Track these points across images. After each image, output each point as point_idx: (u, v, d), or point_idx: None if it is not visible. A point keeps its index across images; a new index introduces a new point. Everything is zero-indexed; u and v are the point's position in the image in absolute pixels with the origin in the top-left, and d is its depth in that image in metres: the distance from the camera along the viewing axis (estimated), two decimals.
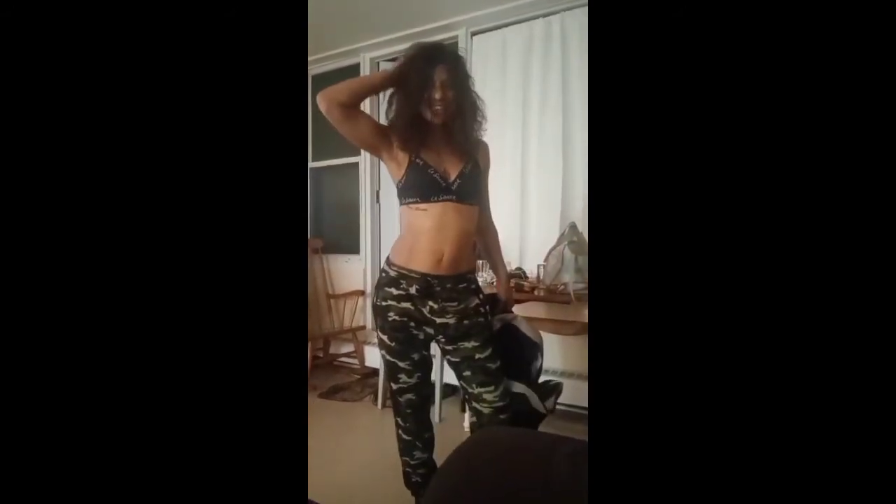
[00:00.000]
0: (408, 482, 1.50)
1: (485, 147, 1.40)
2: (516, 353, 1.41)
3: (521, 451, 0.75)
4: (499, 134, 2.64)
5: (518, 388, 1.37)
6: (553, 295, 2.07)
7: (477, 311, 1.34)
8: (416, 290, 1.29)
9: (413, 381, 1.37)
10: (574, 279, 1.99)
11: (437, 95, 1.22)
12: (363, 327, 3.26)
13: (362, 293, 3.28)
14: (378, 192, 3.30)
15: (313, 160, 3.53)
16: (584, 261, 2.03)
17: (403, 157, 1.28)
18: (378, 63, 3.24)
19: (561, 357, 2.44)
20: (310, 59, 3.32)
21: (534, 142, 2.56)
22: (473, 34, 2.75)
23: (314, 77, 3.52)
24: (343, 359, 3.32)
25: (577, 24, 2.43)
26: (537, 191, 2.56)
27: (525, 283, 2.22)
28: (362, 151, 3.27)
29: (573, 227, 2.14)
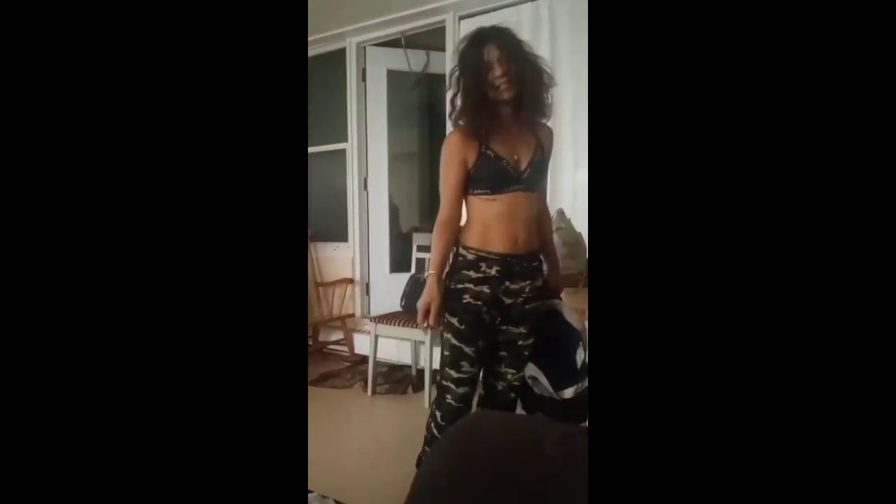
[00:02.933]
0: (419, 466, 1.49)
1: (548, 129, 1.40)
2: (557, 339, 1.43)
3: (512, 435, 0.76)
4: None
5: (531, 370, 1.40)
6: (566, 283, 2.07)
7: (540, 293, 1.38)
8: (497, 272, 1.30)
9: (474, 370, 1.36)
10: (562, 265, 2.00)
11: (498, 72, 1.22)
12: (352, 315, 3.25)
13: (351, 281, 3.27)
14: (366, 180, 3.27)
15: (313, 145, 3.48)
16: (572, 247, 2.03)
17: (472, 147, 1.27)
18: (364, 48, 3.20)
19: None
20: None
21: None
22: (461, 18, 2.72)
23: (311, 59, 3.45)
24: (332, 346, 3.31)
25: (565, 9, 2.41)
26: None
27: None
28: (349, 137, 3.24)
29: (561, 213, 2.14)
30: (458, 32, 2.70)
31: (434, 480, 0.71)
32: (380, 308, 3.07)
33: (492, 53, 1.22)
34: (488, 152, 1.26)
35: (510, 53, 1.23)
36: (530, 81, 1.25)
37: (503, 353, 1.40)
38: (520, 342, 1.38)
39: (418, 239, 2.83)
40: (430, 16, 2.76)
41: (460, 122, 1.29)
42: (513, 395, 1.42)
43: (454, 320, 1.34)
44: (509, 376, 1.41)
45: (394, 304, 2.72)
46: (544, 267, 1.44)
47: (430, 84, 3.35)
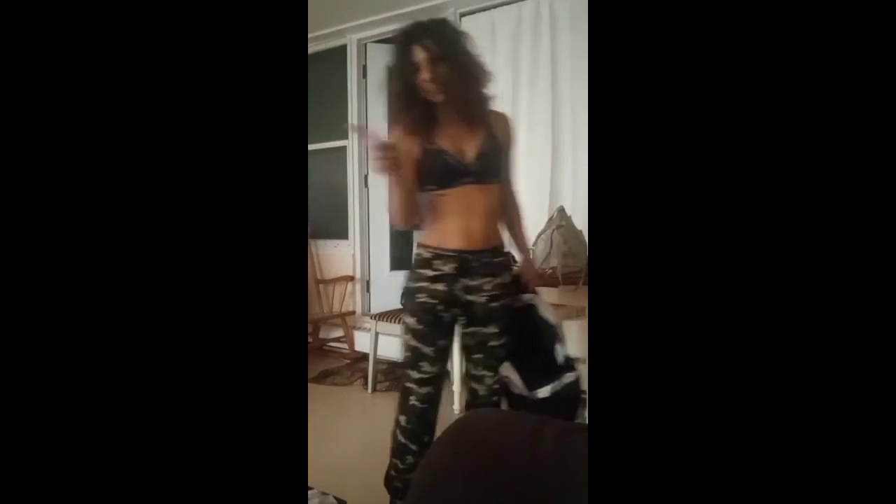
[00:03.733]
0: (388, 483, 1.42)
1: (503, 118, 1.34)
2: (533, 337, 1.38)
3: (509, 433, 0.75)
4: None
5: (505, 369, 1.34)
6: (541, 279, 2.08)
7: (507, 290, 1.33)
8: (453, 269, 1.26)
9: (435, 370, 1.32)
10: (562, 263, 2.00)
11: (425, 76, 1.17)
12: (352, 312, 3.26)
13: (351, 278, 3.28)
14: (367, 177, 3.27)
15: (313, 142, 3.48)
16: (572, 244, 2.03)
17: (414, 142, 1.23)
18: (365, 44, 3.19)
19: None
20: None
21: (523, 125, 2.55)
22: (462, 15, 2.71)
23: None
24: (333, 343, 3.32)
25: (566, 6, 2.40)
26: (526, 174, 2.56)
27: (514, 267, 2.22)
28: (350, 135, 3.24)
29: (561, 210, 2.14)
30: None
31: (433, 477, 0.71)
32: (380, 305, 3.08)
33: (419, 55, 1.17)
34: (431, 147, 1.22)
35: (439, 53, 1.17)
36: (459, 82, 1.19)
37: (477, 356, 1.36)
38: (491, 343, 1.33)
39: (419, 236, 2.83)
40: (430, 13, 2.75)
41: (398, 124, 1.25)
42: (495, 398, 1.36)
43: (411, 320, 1.30)
44: (487, 379, 1.36)
45: (394, 301, 2.71)
46: (515, 261, 1.39)
47: None
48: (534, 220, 2.42)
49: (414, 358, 1.32)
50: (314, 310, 3.26)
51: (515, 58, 2.55)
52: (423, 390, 1.32)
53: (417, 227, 1.35)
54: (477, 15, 2.67)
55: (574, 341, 1.63)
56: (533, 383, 1.32)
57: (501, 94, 2.55)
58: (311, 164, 3.51)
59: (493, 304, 1.30)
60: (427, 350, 1.30)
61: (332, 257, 3.37)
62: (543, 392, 1.31)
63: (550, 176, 2.47)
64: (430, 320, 1.29)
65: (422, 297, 1.28)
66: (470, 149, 1.24)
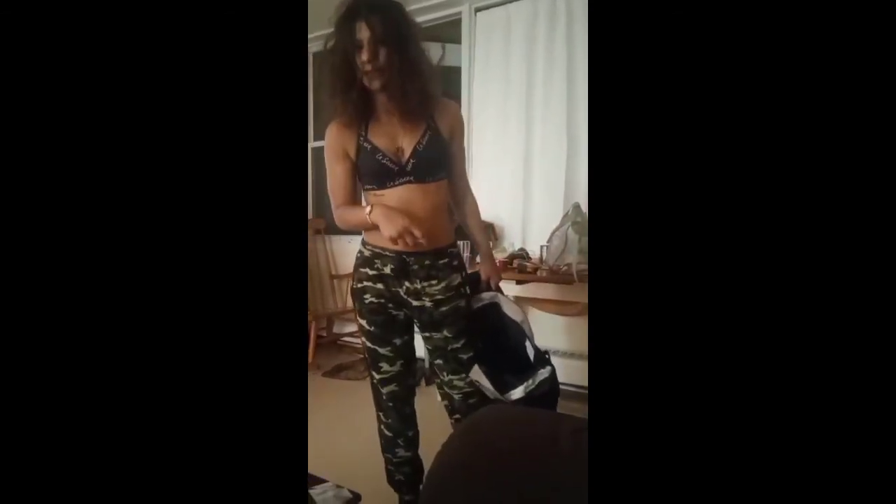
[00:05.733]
0: (390, 480, 1.42)
1: (448, 107, 1.22)
2: (500, 336, 1.30)
3: (524, 430, 0.76)
4: (501, 113, 2.61)
5: (474, 373, 1.27)
6: (556, 276, 2.07)
7: (457, 293, 1.25)
8: (391, 270, 1.20)
9: (395, 369, 1.28)
10: (577, 260, 1.99)
11: (364, 57, 1.06)
12: None
13: None
14: None
15: (315, 139, 3.50)
16: (587, 241, 2.02)
17: (351, 138, 1.16)
18: None
19: (564, 337, 2.45)
20: (309, 36, 3.27)
21: (538, 120, 2.54)
22: (477, 10, 2.70)
23: (314, 54, 3.47)
24: (346, 338, 3.34)
25: (582, 2, 2.38)
26: (541, 171, 2.55)
27: (528, 264, 2.22)
28: None
29: (577, 207, 2.13)
30: (474, 25, 2.68)
31: (447, 472, 0.71)
32: None
33: (363, 32, 1.04)
34: (365, 144, 1.15)
35: (385, 35, 1.05)
36: (402, 72, 1.07)
37: (439, 362, 1.30)
38: (451, 346, 1.26)
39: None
40: (445, 8, 2.74)
41: (329, 109, 1.16)
42: (471, 400, 1.29)
43: (363, 322, 1.27)
44: (457, 382, 1.29)
45: None
46: (468, 261, 1.33)
47: (446, 77, 3.33)
48: (548, 217, 2.42)
49: (372, 359, 1.29)
50: (328, 304, 3.28)
51: (531, 53, 2.53)
52: (387, 389, 1.30)
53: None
54: (492, 10, 2.65)
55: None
56: (505, 385, 1.25)
57: (516, 90, 2.56)
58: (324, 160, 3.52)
59: (442, 309, 1.23)
60: (384, 350, 1.27)
61: (346, 253, 3.38)
62: (517, 393, 1.24)
63: (565, 172, 2.46)
64: (381, 321, 1.25)
65: (368, 298, 1.24)
66: (406, 146, 1.15)
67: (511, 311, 1.33)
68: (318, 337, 3.12)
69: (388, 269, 1.21)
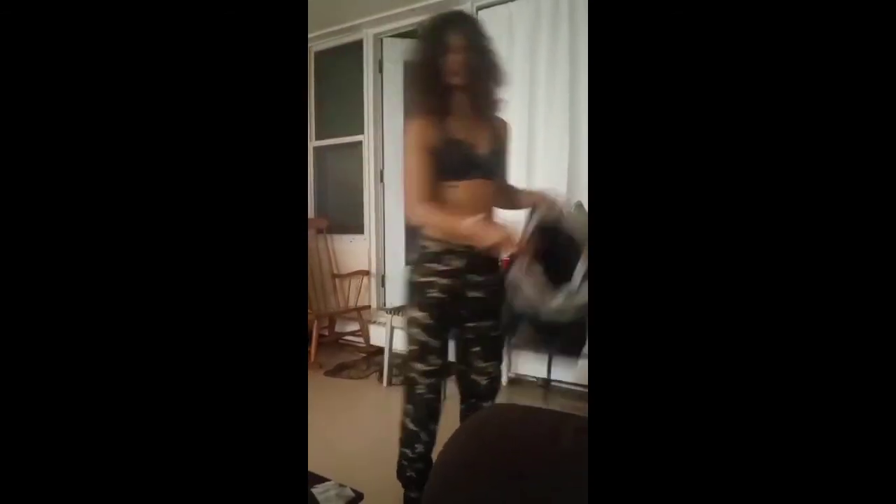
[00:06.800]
0: (401, 475, 1.45)
1: (504, 124, 1.39)
2: (554, 251, 1.23)
3: (528, 429, 0.75)
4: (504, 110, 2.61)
5: (517, 280, 1.16)
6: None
7: (502, 284, 1.30)
8: (462, 264, 1.29)
9: (441, 362, 1.36)
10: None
11: (455, 58, 1.23)
12: (368, 307, 3.28)
13: (367, 273, 3.29)
14: (382, 172, 3.28)
15: (316, 139, 3.50)
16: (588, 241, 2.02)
17: (435, 131, 1.26)
18: (381, 39, 3.19)
19: None
20: (312, 35, 3.28)
21: (540, 119, 2.54)
22: (479, 8, 2.70)
23: (317, 53, 3.47)
24: (348, 337, 3.35)
25: (584, 0, 2.38)
26: (543, 169, 2.54)
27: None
28: (365, 129, 3.25)
29: (579, 205, 2.12)
30: None
31: (453, 470, 0.71)
32: (395, 300, 3.09)
33: (455, 40, 1.23)
34: (451, 136, 1.27)
35: (470, 43, 1.24)
36: (483, 73, 1.26)
37: (476, 349, 1.38)
38: (493, 334, 1.37)
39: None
40: (447, 6, 2.74)
41: (416, 104, 1.30)
42: (495, 384, 1.42)
43: (421, 315, 1.32)
44: (490, 369, 1.41)
45: None
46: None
47: None
48: None
49: (422, 351, 1.34)
50: (330, 304, 3.29)
51: (534, 51, 2.52)
52: (430, 381, 1.36)
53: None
54: (495, 8, 2.65)
55: None
56: (547, 292, 1.14)
57: (519, 88, 2.55)
58: (327, 159, 3.53)
59: (496, 299, 1.30)
60: (435, 343, 1.34)
61: (348, 252, 3.39)
62: (556, 302, 1.12)
63: (568, 171, 2.45)
64: (440, 315, 1.32)
65: (434, 292, 1.30)
66: (482, 143, 1.29)
67: (575, 231, 1.27)
68: (321, 336, 3.12)
69: (458, 264, 1.30)
